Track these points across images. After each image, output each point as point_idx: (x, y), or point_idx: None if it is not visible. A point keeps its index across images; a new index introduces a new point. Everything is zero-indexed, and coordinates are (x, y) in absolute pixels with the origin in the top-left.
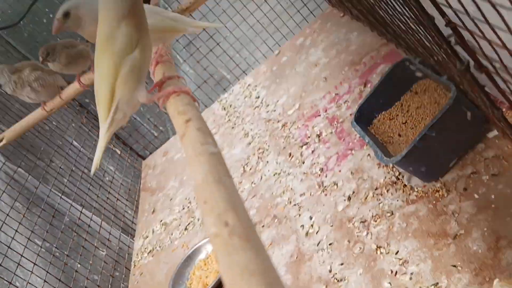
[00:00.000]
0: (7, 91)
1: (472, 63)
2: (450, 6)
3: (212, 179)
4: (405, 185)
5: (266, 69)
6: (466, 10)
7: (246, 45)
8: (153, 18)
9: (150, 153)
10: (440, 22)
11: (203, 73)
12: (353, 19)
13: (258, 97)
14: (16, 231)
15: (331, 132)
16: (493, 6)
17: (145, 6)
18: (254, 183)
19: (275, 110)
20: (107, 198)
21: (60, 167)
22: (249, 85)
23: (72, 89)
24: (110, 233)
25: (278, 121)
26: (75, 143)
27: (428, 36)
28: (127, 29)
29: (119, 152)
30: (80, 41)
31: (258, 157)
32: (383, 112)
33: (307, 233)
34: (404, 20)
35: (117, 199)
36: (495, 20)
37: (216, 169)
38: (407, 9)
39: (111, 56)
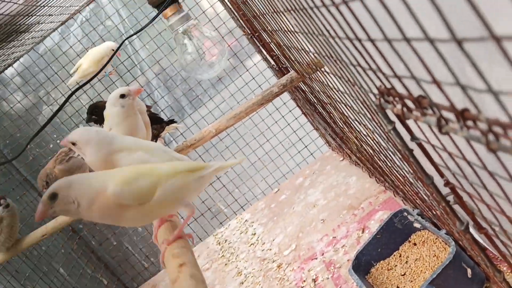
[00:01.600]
0: None
1: (471, 223)
2: (449, 169)
3: None
4: None
5: (264, 206)
6: (464, 175)
7: (246, 181)
8: (160, 156)
9: (138, 285)
10: (438, 180)
11: (201, 205)
12: (352, 163)
13: (254, 233)
14: None
15: (328, 278)
16: (492, 175)
17: (156, 144)
18: None
19: (270, 249)
20: None
21: None
22: (246, 220)
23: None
24: None
25: (273, 261)
26: (61, 270)
27: (427, 192)
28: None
29: (105, 283)
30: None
31: None
32: (381, 262)
33: None
34: (402, 174)
35: None
36: (494, 187)
37: None
38: (406, 164)
39: None
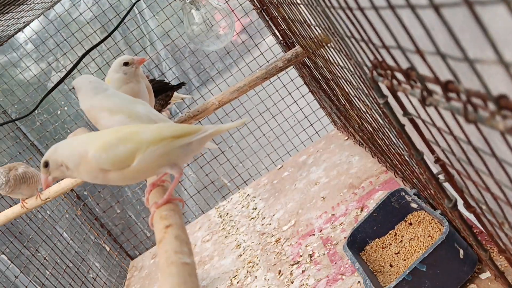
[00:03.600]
0: (2, 193)
1: (460, 201)
2: (438, 144)
3: None
4: None
5: (267, 182)
6: (452, 150)
7: (250, 157)
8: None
9: (140, 254)
10: (430, 158)
11: (204, 178)
12: (356, 143)
13: (255, 208)
14: None
15: (324, 254)
16: (476, 151)
17: (145, 111)
18: None
19: (270, 224)
20: None
21: (44, 258)
22: (248, 195)
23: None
24: None
25: (272, 236)
26: (65, 234)
27: (421, 169)
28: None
29: (108, 249)
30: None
31: (247, 271)
32: (376, 240)
33: None
34: (398, 151)
35: None
36: (480, 164)
37: (185, 282)
38: (401, 141)
39: None
